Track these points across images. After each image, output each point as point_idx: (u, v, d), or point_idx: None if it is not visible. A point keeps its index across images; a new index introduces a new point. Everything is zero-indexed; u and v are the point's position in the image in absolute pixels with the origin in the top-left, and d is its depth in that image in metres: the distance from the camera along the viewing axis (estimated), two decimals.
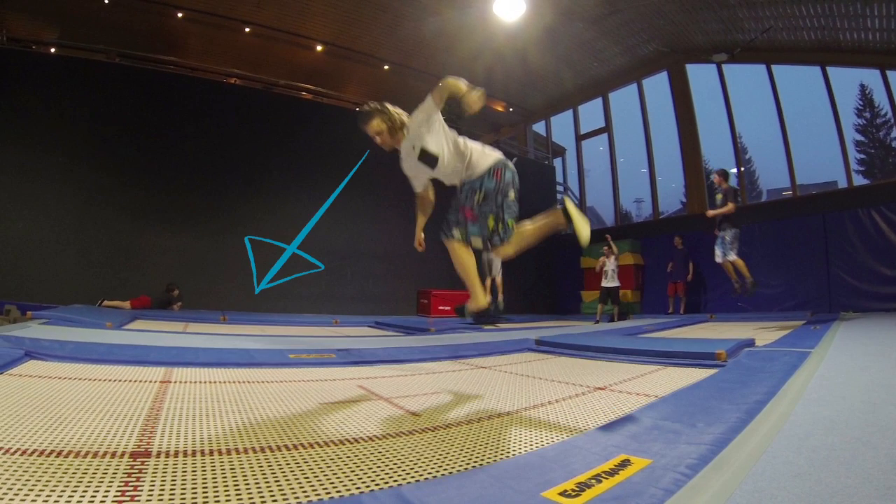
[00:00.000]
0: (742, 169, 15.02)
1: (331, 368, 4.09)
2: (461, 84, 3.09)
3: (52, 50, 12.22)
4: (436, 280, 13.05)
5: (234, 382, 3.29)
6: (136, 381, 3.09)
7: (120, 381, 3.09)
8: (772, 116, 13.05)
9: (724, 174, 8.26)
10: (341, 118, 12.96)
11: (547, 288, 17.04)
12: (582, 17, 12.95)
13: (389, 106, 3.28)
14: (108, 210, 10.44)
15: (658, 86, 15.65)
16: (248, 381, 3.36)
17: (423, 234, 3.73)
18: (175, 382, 3.15)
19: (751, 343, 4.84)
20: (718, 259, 8.19)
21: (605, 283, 11.91)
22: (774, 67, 13.10)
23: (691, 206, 14.93)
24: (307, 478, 1.60)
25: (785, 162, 12.91)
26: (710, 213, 8.21)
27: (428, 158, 3.19)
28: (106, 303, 9.53)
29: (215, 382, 3.24)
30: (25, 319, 6.20)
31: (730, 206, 7.93)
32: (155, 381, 3.12)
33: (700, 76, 14.93)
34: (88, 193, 10.31)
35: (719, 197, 8.14)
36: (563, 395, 3.09)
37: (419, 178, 3.45)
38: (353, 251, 12.71)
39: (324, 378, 3.65)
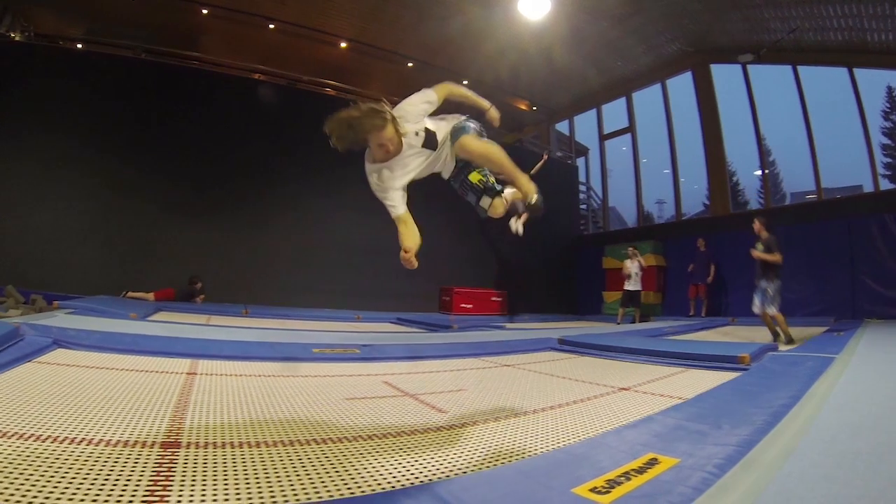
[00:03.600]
0: (766, 171, 14.86)
1: (356, 364, 4.14)
2: (463, 89, 3.02)
3: (79, 46, 12.39)
4: (458, 278, 13.11)
5: (259, 376, 3.35)
6: (162, 373, 3.17)
7: (147, 371, 3.18)
8: (797, 118, 12.89)
9: (767, 222, 7.62)
10: None
11: (569, 288, 16.97)
12: (607, 15, 12.87)
13: (384, 105, 2.68)
14: (133, 203, 10.54)
15: (682, 86, 15.53)
16: (274, 375, 3.42)
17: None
18: (201, 375, 3.21)
19: (774, 347, 4.83)
20: (756, 310, 7.69)
21: (627, 287, 11.91)
22: (800, 69, 12.95)
23: (714, 209, 14.79)
24: (338, 472, 1.64)
25: (809, 165, 12.73)
26: (757, 254, 7.67)
27: (431, 141, 2.84)
28: (130, 294, 9.61)
29: (241, 375, 3.31)
30: (51, 309, 6.31)
31: (778, 256, 7.46)
32: (181, 373, 3.19)
33: (725, 77, 14.80)
34: (113, 186, 10.41)
35: (760, 247, 7.65)
36: (587, 395, 3.12)
37: (411, 178, 2.87)
38: (375, 247, 12.72)
39: (349, 373, 3.71)
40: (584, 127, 19.07)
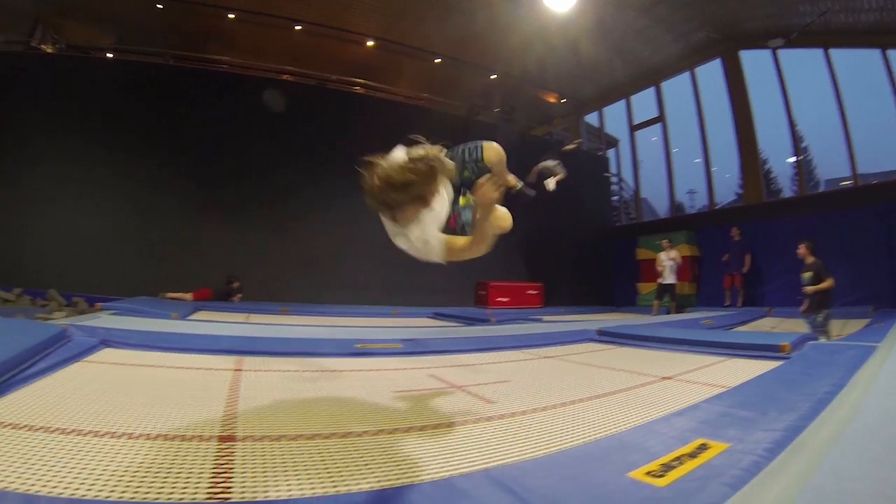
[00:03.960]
0: (800, 158, 14.57)
1: (399, 358, 4.23)
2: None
3: (110, 55, 12.67)
4: (493, 272, 13.18)
5: (305, 371, 3.44)
6: (209, 369, 3.27)
7: (194, 368, 3.28)
8: (829, 102, 12.62)
9: (812, 246, 7.51)
10: (395, 111, 13.14)
11: (603, 279, 16.86)
12: (633, 5, 12.77)
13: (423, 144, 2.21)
14: (168, 203, 10.86)
15: (712, 74, 15.30)
16: (320, 370, 3.50)
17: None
18: (247, 371, 3.30)
19: (814, 336, 4.81)
20: None
21: (661, 280, 11.84)
22: (832, 51, 12.66)
23: (747, 197, 14.56)
24: (395, 462, 1.69)
25: (844, 150, 12.43)
26: (811, 290, 7.49)
27: None
28: (168, 295, 9.79)
29: (287, 371, 3.39)
30: (94, 310, 6.47)
31: (830, 282, 7.28)
32: (228, 370, 3.28)
33: (754, 63, 14.55)
34: (148, 188, 10.70)
35: (808, 275, 7.35)
36: (630, 384, 3.17)
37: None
38: None
39: (394, 367, 3.79)
40: (613, 118, 18.88)
